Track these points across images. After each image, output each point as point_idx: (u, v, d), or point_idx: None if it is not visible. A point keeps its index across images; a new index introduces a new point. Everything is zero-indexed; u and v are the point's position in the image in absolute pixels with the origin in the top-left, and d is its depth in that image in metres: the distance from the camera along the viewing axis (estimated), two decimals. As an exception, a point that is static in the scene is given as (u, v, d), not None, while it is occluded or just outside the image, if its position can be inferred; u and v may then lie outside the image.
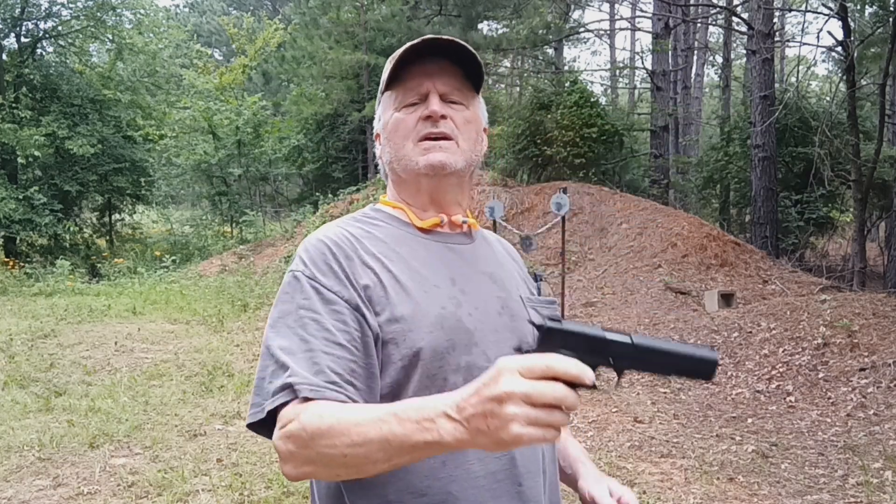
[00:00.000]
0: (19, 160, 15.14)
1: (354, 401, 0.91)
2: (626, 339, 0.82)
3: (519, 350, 0.99)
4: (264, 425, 0.93)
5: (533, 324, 0.89)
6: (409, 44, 1.05)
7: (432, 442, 0.78)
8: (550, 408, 0.73)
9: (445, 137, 1.06)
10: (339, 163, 18.86)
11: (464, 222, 1.13)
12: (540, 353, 0.79)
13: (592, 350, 0.82)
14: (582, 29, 20.77)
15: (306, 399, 0.88)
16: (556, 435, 0.74)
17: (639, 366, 0.84)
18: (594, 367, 0.80)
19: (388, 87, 1.11)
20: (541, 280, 1.22)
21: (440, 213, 1.11)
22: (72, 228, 15.96)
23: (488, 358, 0.99)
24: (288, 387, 0.89)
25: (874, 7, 10.07)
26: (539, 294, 1.19)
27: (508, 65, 23.43)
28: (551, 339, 0.84)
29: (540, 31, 14.34)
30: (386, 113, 1.12)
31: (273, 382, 0.91)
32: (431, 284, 1.03)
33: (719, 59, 24.32)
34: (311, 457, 0.85)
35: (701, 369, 0.83)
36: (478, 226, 1.19)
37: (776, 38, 14.06)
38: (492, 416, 0.73)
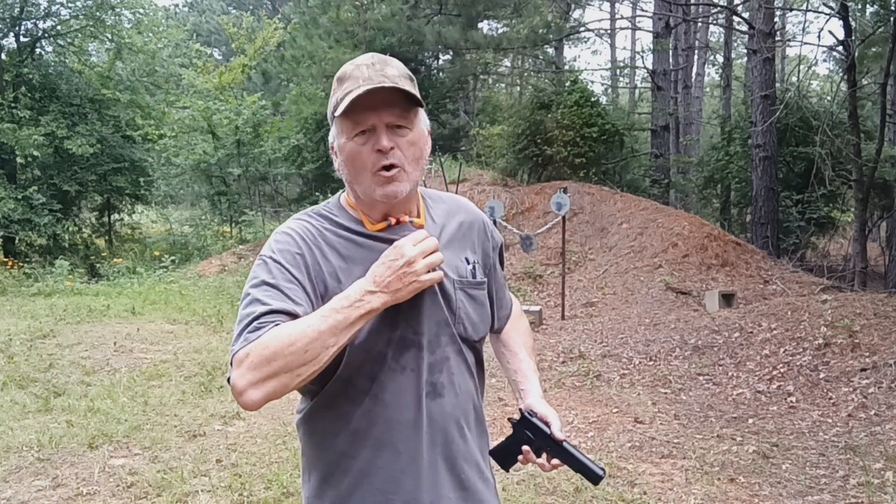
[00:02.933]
0: (18, 160, 15.12)
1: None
2: (558, 437, 1.29)
3: (441, 323, 1.26)
4: None
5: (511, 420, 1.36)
6: (353, 95, 1.17)
7: (366, 313, 1.11)
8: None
9: (395, 166, 1.22)
10: (339, 163, 18.80)
11: (410, 222, 1.29)
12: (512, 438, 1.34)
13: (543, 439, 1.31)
14: (582, 28, 20.81)
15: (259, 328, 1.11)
16: (441, 275, 1.20)
17: (556, 456, 1.30)
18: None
19: (337, 114, 1.23)
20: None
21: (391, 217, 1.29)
22: (71, 228, 15.93)
23: (416, 331, 1.23)
24: (263, 314, 1.12)
25: (875, 6, 10.07)
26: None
27: (509, 64, 23.43)
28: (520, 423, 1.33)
29: (540, 31, 14.34)
30: (340, 138, 1.25)
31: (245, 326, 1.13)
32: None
33: (720, 59, 24.31)
34: (276, 368, 1.06)
35: (590, 477, 1.28)
36: (424, 215, 1.33)
37: (777, 38, 14.05)
38: (405, 275, 1.13)
